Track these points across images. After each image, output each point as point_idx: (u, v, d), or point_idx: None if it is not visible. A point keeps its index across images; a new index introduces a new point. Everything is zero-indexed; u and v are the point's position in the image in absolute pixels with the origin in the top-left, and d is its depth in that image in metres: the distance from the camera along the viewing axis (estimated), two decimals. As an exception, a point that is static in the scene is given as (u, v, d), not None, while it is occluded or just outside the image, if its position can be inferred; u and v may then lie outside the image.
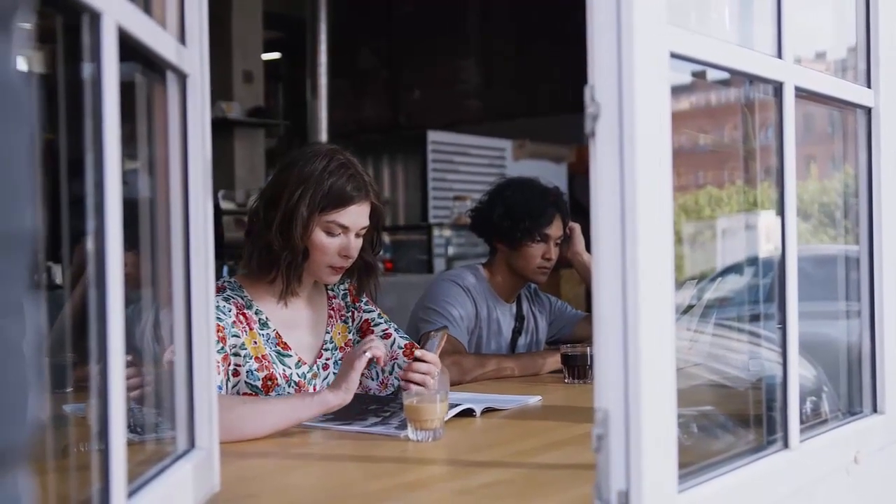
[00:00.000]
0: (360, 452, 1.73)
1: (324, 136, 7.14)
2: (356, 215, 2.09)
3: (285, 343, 2.12)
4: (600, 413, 1.11)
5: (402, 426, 1.83)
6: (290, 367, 2.11)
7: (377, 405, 2.06)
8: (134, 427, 1.25)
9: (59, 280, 2.59)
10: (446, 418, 1.84)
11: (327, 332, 2.23)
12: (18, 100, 0.52)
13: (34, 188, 0.55)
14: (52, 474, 1.06)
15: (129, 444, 1.00)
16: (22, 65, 0.54)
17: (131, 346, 1.04)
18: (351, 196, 2.07)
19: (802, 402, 1.52)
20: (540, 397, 2.28)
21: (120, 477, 0.95)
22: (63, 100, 1.04)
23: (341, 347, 2.24)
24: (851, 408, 1.74)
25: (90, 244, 0.94)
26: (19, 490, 0.55)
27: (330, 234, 2.08)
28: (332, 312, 2.26)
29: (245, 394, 2.05)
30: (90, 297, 0.95)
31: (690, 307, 1.81)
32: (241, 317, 2.07)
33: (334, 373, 2.18)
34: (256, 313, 2.11)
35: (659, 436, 1.12)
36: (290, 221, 2.04)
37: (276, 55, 9.14)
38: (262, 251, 2.09)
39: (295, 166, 2.08)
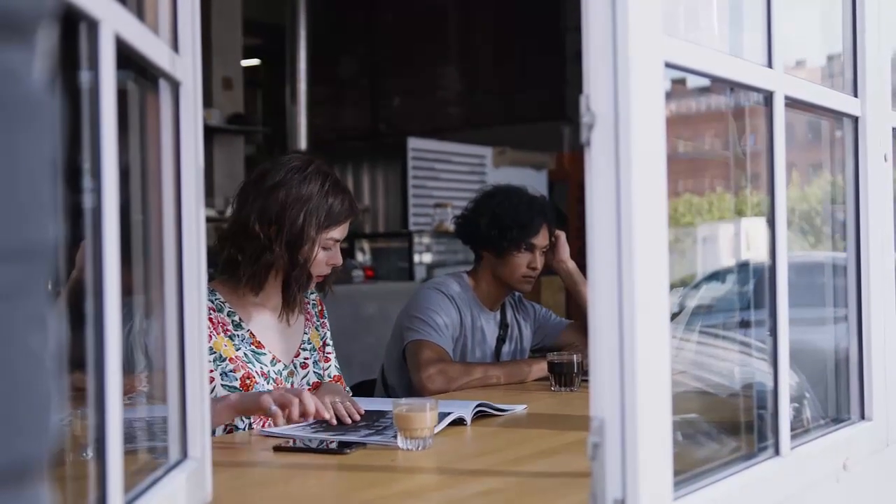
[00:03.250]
0: (351, 462, 1.72)
1: (303, 144, 7.12)
2: (347, 229, 2.23)
3: (259, 342, 2.19)
4: (596, 421, 1.11)
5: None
6: (266, 365, 2.16)
7: (369, 419, 2.04)
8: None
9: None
10: (438, 430, 1.83)
11: (305, 333, 2.31)
12: (41, 111, 0.52)
13: (56, 200, 0.55)
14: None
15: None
16: (44, 76, 0.53)
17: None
18: (348, 214, 2.20)
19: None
20: (525, 406, 2.27)
21: (117, 489, 0.94)
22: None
23: (319, 349, 2.33)
24: (839, 415, 1.75)
25: (87, 253, 0.93)
26: (41, 502, 0.54)
27: (326, 248, 2.19)
28: (308, 315, 2.34)
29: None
30: (85, 307, 0.94)
31: (675, 315, 1.82)
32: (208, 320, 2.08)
33: (314, 372, 2.29)
34: (229, 315, 2.17)
35: (655, 444, 1.12)
36: (298, 242, 2.13)
37: (255, 61, 9.12)
38: (261, 266, 2.13)
39: (289, 187, 2.14)
